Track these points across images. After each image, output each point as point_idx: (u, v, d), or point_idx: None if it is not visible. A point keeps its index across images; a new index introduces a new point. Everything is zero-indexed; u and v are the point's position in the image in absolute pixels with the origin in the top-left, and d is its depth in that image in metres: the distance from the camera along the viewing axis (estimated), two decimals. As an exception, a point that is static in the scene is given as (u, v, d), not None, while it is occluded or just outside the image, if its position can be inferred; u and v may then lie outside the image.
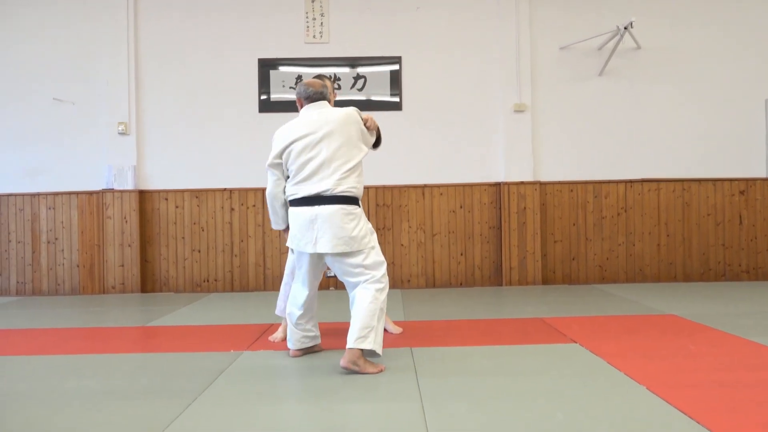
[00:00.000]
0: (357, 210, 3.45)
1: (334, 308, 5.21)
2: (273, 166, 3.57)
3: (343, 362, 3.28)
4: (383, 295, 3.41)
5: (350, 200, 3.43)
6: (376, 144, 3.72)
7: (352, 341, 3.28)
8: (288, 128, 3.56)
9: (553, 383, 3.09)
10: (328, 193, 3.38)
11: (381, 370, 3.33)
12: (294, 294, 3.65)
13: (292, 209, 3.52)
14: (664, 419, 2.54)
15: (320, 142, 3.43)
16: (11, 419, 2.74)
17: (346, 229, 3.37)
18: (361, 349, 3.29)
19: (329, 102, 3.68)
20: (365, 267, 3.41)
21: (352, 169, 3.44)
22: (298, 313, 3.62)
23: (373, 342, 3.29)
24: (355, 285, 3.43)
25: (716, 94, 7.07)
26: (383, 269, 3.46)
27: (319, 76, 4.07)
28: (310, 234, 3.40)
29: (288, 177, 3.55)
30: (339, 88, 6.94)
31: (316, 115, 3.53)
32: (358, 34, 7.06)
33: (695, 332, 4.20)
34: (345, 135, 3.46)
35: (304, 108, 3.62)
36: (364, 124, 3.57)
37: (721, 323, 4.42)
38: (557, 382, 3.11)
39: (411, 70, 7.07)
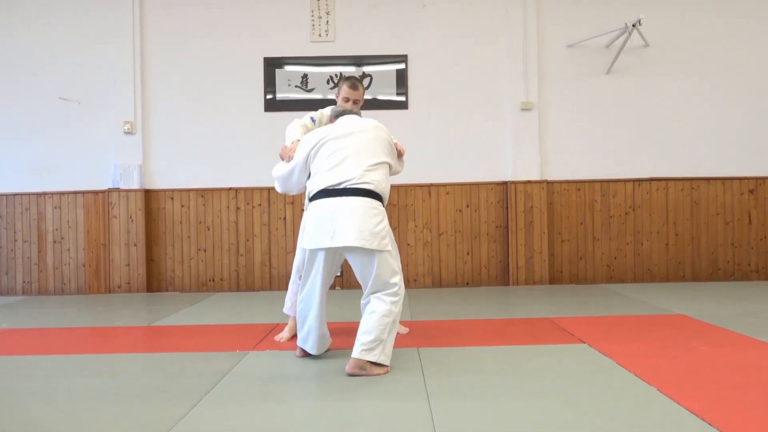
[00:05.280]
0: (380, 207, 3.39)
1: (342, 308, 5.19)
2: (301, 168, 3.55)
3: (348, 368, 3.24)
4: (398, 308, 3.34)
5: (374, 195, 3.36)
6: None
7: (357, 351, 3.23)
8: (317, 131, 3.57)
9: (562, 384, 3.05)
10: (352, 183, 3.31)
11: (386, 371, 3.29)
12: (305, 299, 3.51)
13: (311, 204, 3.43)
14: (676, 420, 2.50)
15: (349, 136, 3.45)
16: (17, 418, 2.73)
17: (371, 222, 3.27)
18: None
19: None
20: (380, 275, 3.31)
21: (379, 165, 3.42)
22: (313, 315, 3.49)
23: (380, 354, 3.23)
24: (371, 292, 3.35)
25: (724, 91, 7.02)
26: (398, 279, 3.37)
27: (353, 82, 4.05)
28: (328, 226, 3.27)
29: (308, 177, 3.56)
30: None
31: (348, 122, 3.56)
32: (364, 33, 7.03)
33: (704, 332, 4.16)
34: (374, 136, 3.49)
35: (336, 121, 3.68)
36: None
37: (730, 323, 4.37)
38: (566, 382, 3.08)
39: (417, 69, 7.04)
